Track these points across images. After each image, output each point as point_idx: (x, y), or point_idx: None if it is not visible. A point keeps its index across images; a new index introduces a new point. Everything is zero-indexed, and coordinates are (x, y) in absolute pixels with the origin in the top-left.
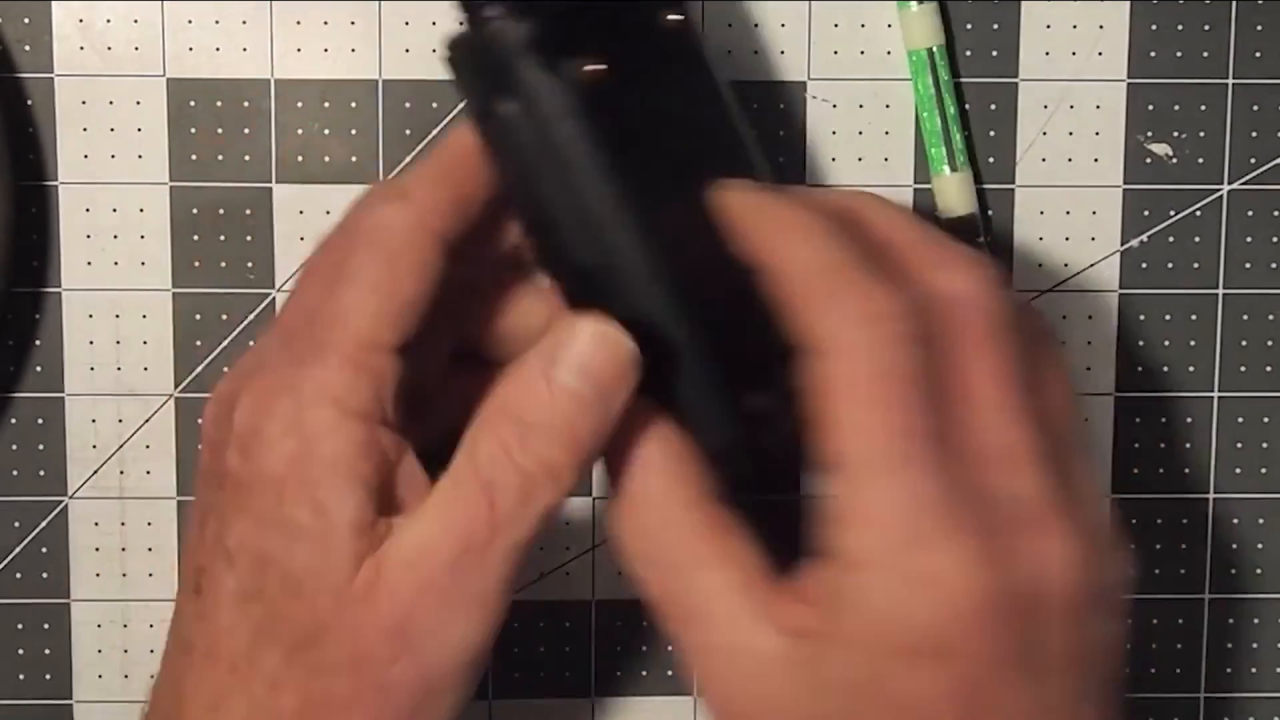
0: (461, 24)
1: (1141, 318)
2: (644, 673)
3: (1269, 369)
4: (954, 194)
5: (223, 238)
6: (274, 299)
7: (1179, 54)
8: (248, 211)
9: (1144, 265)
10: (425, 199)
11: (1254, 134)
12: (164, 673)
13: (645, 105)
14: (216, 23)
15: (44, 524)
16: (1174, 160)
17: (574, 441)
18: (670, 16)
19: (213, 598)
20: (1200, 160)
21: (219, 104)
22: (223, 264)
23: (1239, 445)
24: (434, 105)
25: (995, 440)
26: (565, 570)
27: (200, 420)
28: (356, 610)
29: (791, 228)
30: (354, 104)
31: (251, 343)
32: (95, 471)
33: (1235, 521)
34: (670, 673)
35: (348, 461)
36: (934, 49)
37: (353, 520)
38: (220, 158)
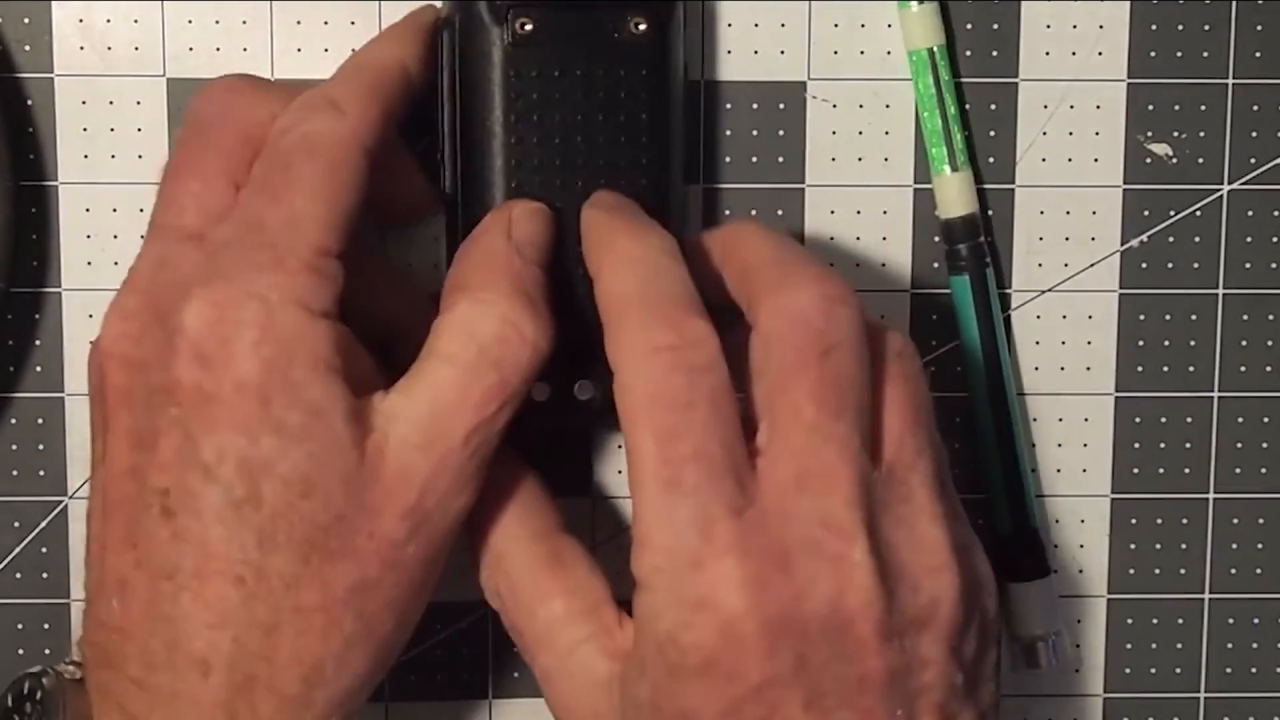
0: None
1: (1141, 318)
2: None
3: (1269, 369)
4: (954, 194)
5: None
6: None
7: (1179, 54)
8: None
9: (1144, 265)
10: (358, 114)
11: (1254, 134)
12: (131, 607)
13: (569, 89)
14: (216, 23)
15: (44, 524)
16: (1174, 160)
17: (539, 301)
18: (636, 24)
19: (193, 514)
20: (1200, 160)
21: None
22: None
23: (1239, 445)
24: None
25: (803, 461)
26: None
27: (97, 340)
28: (370, 495)
29: (612, 253)
30: None
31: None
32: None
33: (1235, 521)
34: None
35: (326, 359)
36: (934, 49)
37: (345, 412)
38: None
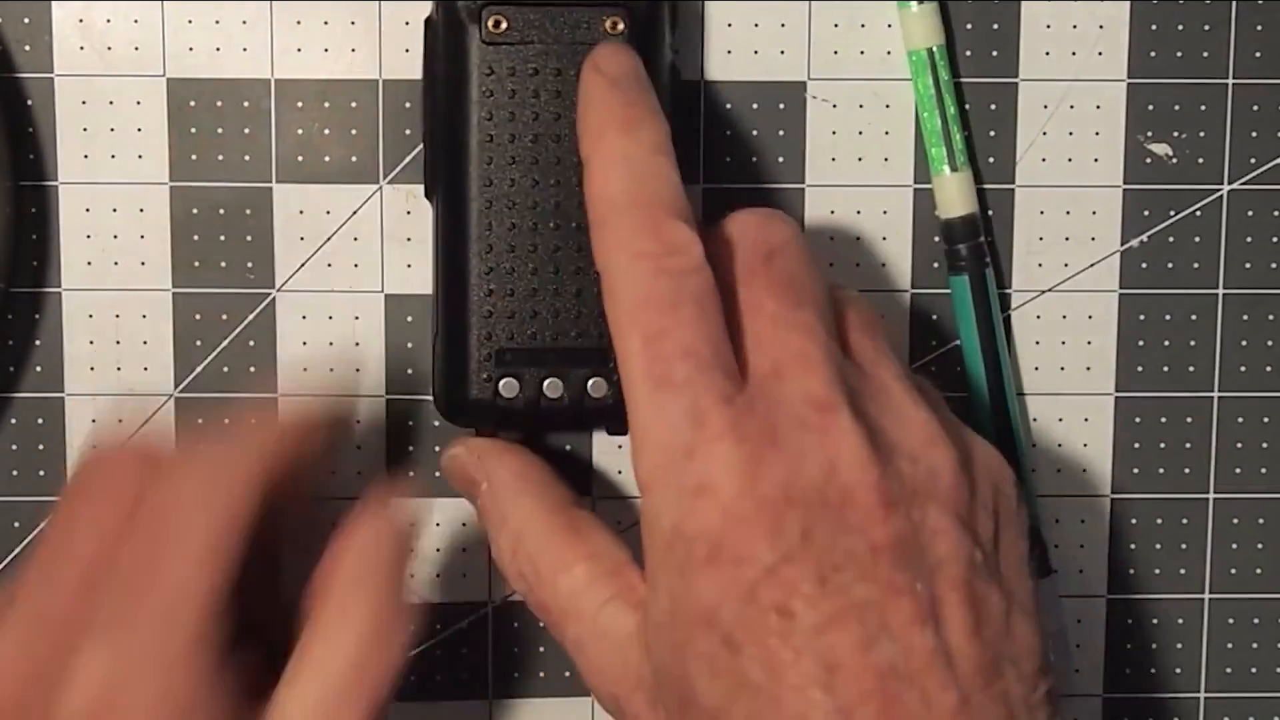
0: None
1: (1141, 318)
2: None
3: (1269, 369)
4: (954, 194)
5: (223, 238)
6: (274, 299)
7: (1179, 54)
8: (248, 211)
9: (1144, 265)
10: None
11: (1254, 134)
12: None
13: (544, 89)
14: (216, 23)
15: (44, 524)
16: (1174, 160)
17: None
18: (614, 25)
19: None
20: (1200, 160)
21: (219, 104)
22: (223, 264)
23: (1239, 445)
24: None
25: (774, 351)
26: None
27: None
28: None
29: (599, 150)
30: (354, 104)
31: (251, 343)
32: None
33: (1235, 521)
34: None
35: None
36: (934, 49)
37: None
38: (220, 158)
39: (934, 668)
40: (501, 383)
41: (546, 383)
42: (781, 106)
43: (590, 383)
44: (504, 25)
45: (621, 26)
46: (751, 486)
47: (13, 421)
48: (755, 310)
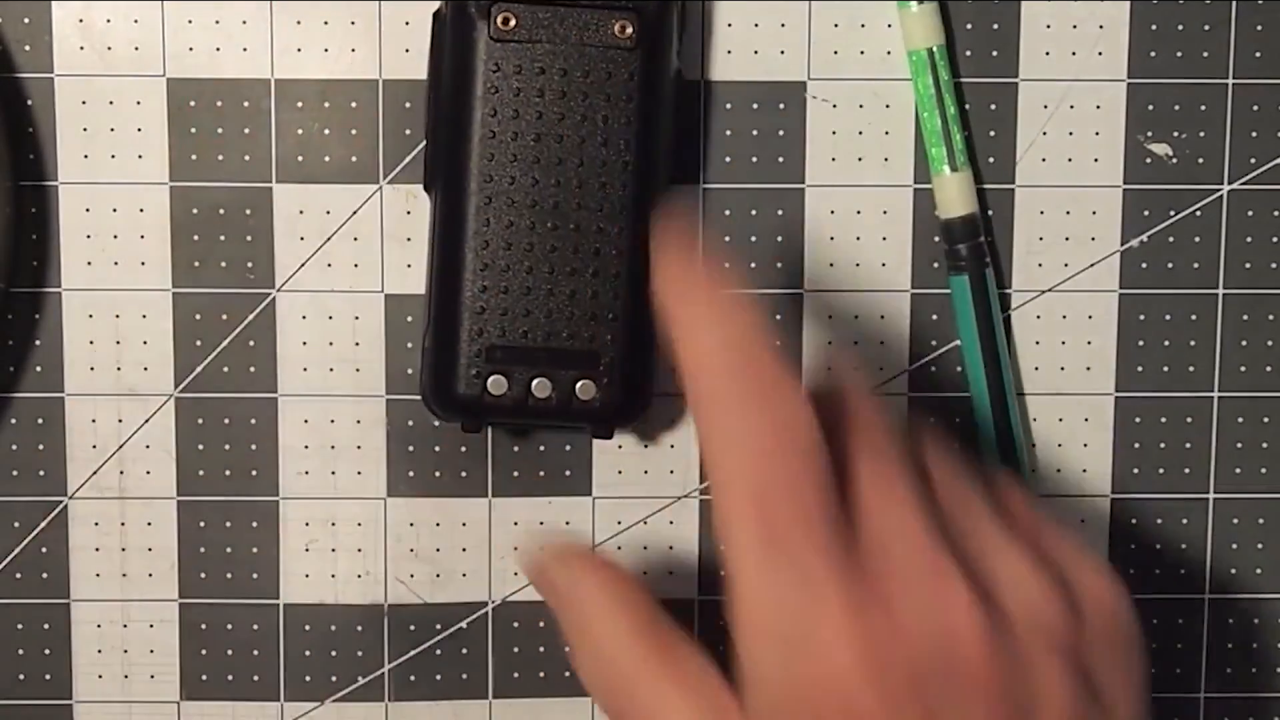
0: None
1: (1141, 318)
2: None
3: (1269, 369)
4: (954, 194)
5: (223, 238)
6: (274, 299)
7: (1179, 54)
8: (248, 211)
9: (1144, 265)
10: None
11: (1254, 134)
12: None
13: (549, 88)
14: (216, 23)
15: (44, 524)
16: (1174, 160)
17: None
18: (622, 28)
19: None
20: (1200, 160)
21: (219, 104)
22: (223, 264)
23: (1239, 445)
24: None
25: (885, 515)
26: None
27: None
28: None
29: (704, 318)
30: (354, 104)
31: (251, 343)
32: (95, 471)
33: (1235, 521)
34: None
35: None
36: (934, 49)
37: None
38: (220, 158)
39: None
40: (490, 379)
41: (535, 382)
42: (781, 106)
43: (579, 385)
44: (513, 23)
45: (630, 30)
46: (866, 653)
47: (13, 421)
48: (864, 470)
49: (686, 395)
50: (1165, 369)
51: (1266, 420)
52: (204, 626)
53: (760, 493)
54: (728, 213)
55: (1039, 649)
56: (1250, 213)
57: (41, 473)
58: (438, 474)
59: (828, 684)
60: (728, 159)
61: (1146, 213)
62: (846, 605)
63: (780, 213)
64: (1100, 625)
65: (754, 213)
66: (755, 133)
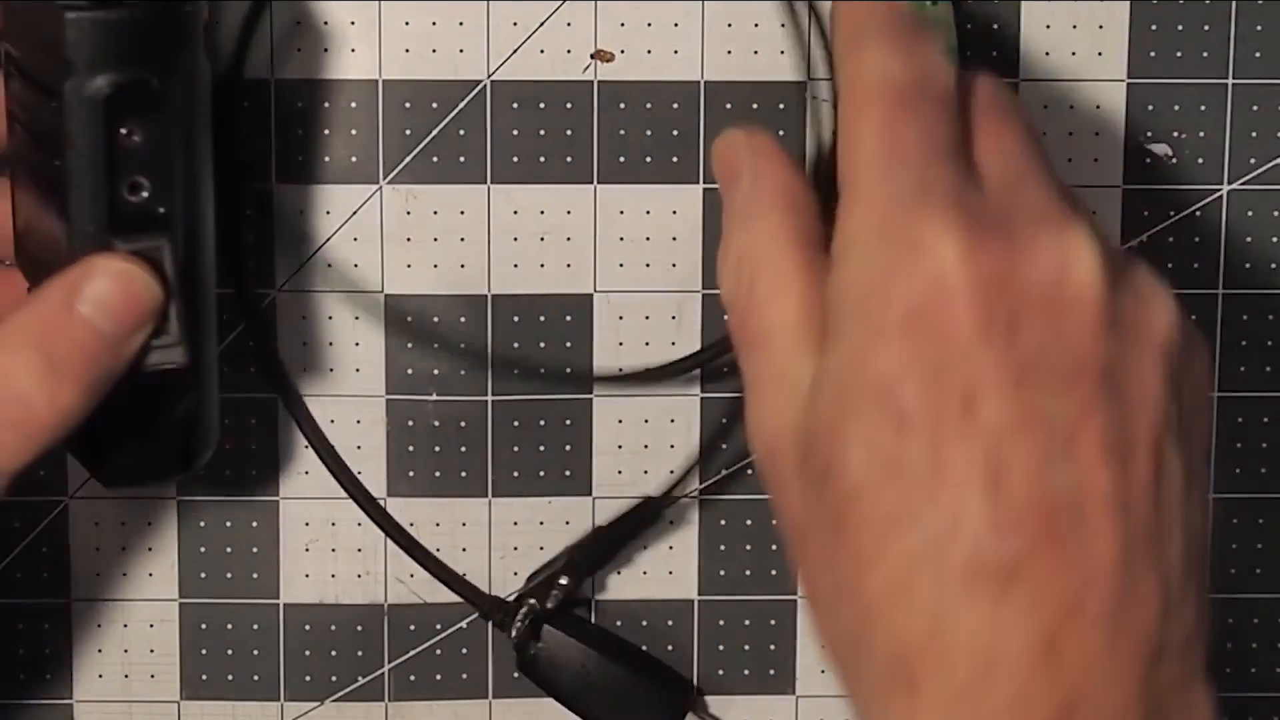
0: None
1: None
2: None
3: (1269, 369)
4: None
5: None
6: (274, 299)
7: (1179, 54)
8: (248, 212)
9: None
10: None
11: (1254, 134)
12: None
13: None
14: (217, 23)
15: (44, 524)
16: (1174, 160)
17: (89, 380)
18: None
19: None
20: (1200, 160)
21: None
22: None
23: (1239, 445)
24: (434, 105)
25: (1022, 160)
26: None
27: None
28: None
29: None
30: (354, 104)
31: (251, 343)
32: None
33: (1235, 521)
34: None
35: None
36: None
37: None
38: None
39: (1106, 509)
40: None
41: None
42: (781, 106)
43: None
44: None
45: None
46: (973, 259)
47: None
48: (993, 135)
49: (835, 43)
50: None
51: (1266, 420)
52: (204, 626)
53: (891, 118)
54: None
55: (1148, 352)
56: (1250, 213)
57: (41, 473)
58: (438, 474)
59: (924, 276)
60: None
61: (1146, 213)
62: (962, 219)
63: None
64: (1194, 371)
65: None
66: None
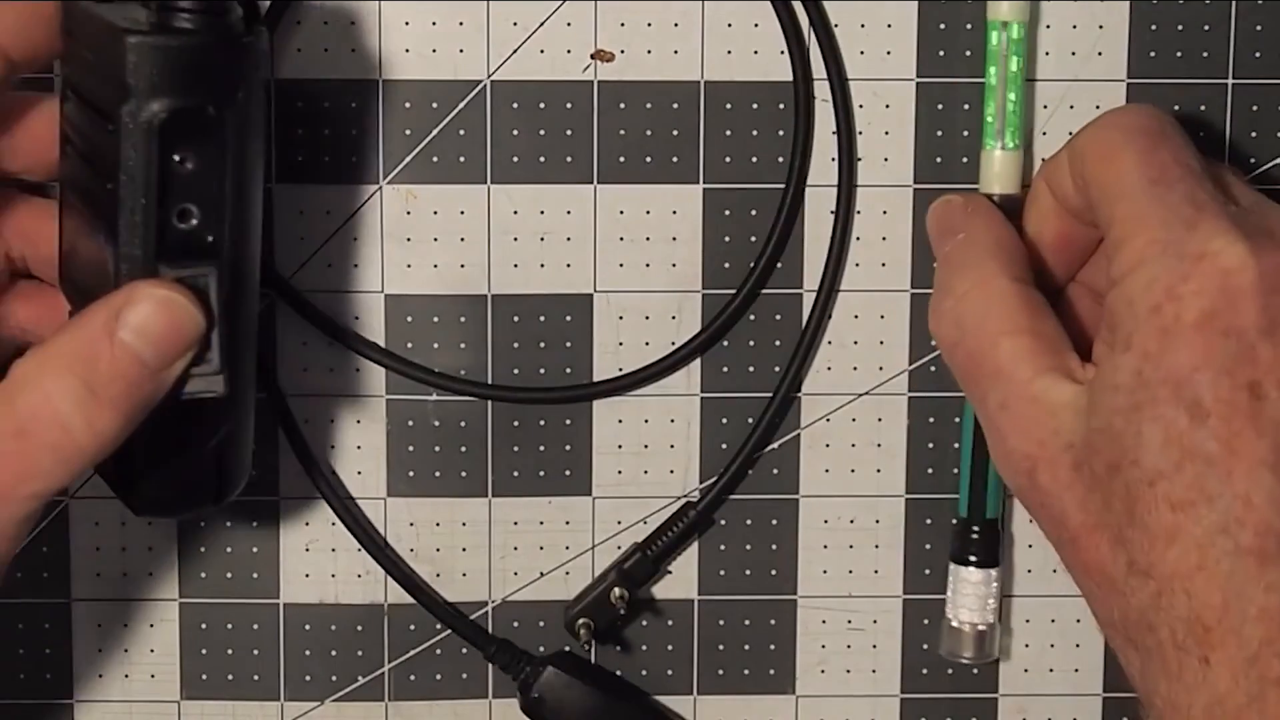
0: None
1: None
2: (644, 672)
3: None
4: (999, 170)
5: None
6: (273, 299)
7: (1179, 54)
8: None
9: None
10: None
11: (1254, 134)
12: None
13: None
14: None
15: (44, 524)
16: None
17: (127, 406)
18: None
19: None
20: None
21: None
22: None
23: None
24: (434, 105)
25: (1239, 187)
26: (565, 570)
27: None
28: None
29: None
30: (354, 104)
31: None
32: (95, 472)
33: None
34: (671, 671)
35: None
36: (1016, 24)
37: None
38: None
39: None
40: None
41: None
42: (781, 106)
43: None
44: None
45: None
46: (1254, 263)
47: None
48: (1218, 171)
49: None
50: None
51: None
52: (204, 626)
53: (1148, 149)
54: (728, 213)
55: None
56: None
57: None
58: (438, 474)
59: (1212, 280)
60: (727, 159)
61: None
62: (1237, 229)
63: (780, 212)
64: None
65: (754, 213)
66: (755, 133)
